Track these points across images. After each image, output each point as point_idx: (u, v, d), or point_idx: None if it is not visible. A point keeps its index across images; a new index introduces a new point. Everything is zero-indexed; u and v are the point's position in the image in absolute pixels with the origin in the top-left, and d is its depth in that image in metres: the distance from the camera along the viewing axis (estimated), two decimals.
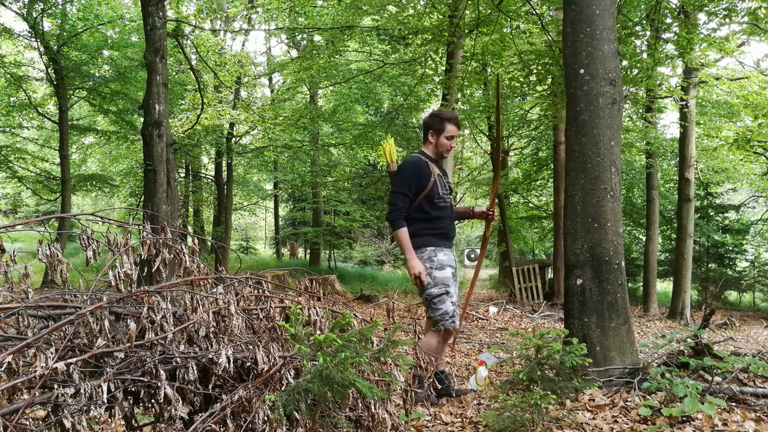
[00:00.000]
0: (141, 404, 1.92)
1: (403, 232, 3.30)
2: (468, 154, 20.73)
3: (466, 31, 8.07)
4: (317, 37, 12.03)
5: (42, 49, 11.81)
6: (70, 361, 1.69)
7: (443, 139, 3.47)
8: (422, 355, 2.42)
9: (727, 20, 7.08)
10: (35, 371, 1.62)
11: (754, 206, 18.84)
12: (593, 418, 2.57)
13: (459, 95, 9.70)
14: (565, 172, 3.73)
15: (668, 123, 37.96)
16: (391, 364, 2.14)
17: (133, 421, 1.92)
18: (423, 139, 3.55)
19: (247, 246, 23.44)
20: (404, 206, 3.33)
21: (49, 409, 1.69)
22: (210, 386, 1.96)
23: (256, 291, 2.39)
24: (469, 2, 7.69)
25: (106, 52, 13.45)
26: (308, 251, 22.21)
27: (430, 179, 3.37)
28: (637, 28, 7.19)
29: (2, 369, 1.57)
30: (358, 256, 22.34)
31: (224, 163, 15.98)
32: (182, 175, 18.21)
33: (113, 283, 1.94)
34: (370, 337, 2.01)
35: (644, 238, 13.52)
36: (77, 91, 13.66)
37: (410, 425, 2.64)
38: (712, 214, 15.31)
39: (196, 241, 3.18)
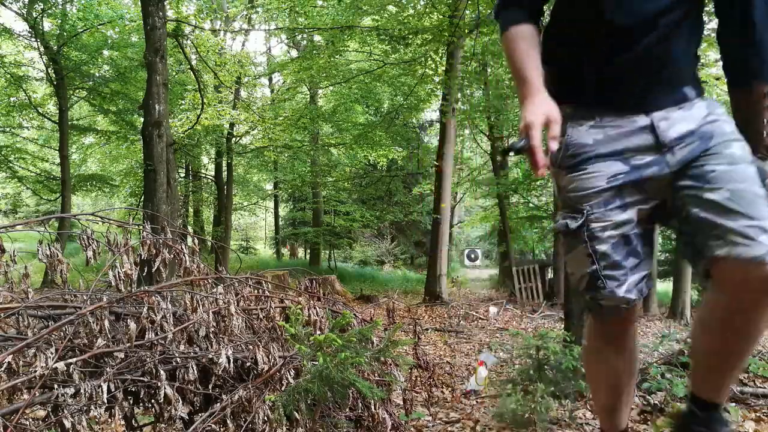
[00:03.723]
0: (141, 404, 1.92)
1: (513, 40, 1.37)
2: (468, 154, 20.73)
3: (466, 31, 8.07)
4: (317, 37, 12.04)
5: (42, 49, 11.83)
6: (70, 361, 1.69)
7: None
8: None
9: None
10: (35, 371, 1.62)
11: None
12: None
13: (459, 95, 9.71)
14: None
15: None
16: (391, 364, 2.14)
17: (133, 421, 1.92)
18: None
19: (247, 246, 23.44)
20: None
21: (49, 409, 1.68)
22: (210, 386, 1.96)
23: (256, 291, 2.38)
24: (469, 2, 7.68)
25: (106, 52, 13.47)
26: (308, 251, 22.22)
27: None
28: None
29: (2, 369, 1.57)
30: (358, 256, 22.34)
31: (224, 163, 15.99)
32: (182, 175, 18.21)
33: (113, 283, 1.93)
34: (370, 337, 2.01)
35: None
36: (77, 91, 13.68)
37: (410, 425, 2.64)
38: None
39: (196, 241, 3.18)
